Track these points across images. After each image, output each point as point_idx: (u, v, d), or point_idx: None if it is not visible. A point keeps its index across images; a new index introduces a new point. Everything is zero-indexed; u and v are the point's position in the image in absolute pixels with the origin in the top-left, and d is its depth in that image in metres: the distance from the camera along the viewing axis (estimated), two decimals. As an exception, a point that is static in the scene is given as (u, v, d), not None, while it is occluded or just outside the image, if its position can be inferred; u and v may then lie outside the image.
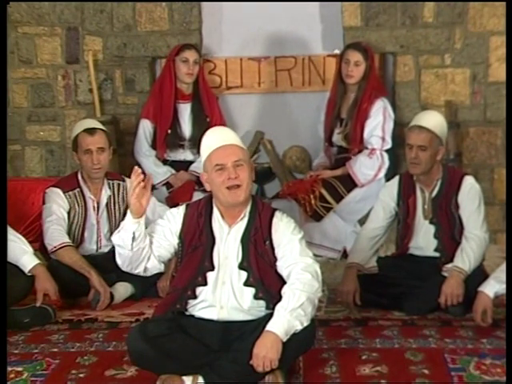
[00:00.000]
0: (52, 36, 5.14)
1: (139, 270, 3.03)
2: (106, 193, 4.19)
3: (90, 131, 4.09)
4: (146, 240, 2.95)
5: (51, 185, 4.18)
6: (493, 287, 3.37)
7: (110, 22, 5.10)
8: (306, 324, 2.82)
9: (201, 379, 2.79)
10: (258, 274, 2.94)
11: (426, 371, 3.00)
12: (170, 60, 4.81)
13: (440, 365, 3.06)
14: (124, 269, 3.05)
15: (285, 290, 2.86)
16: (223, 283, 2.96)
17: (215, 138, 2.98)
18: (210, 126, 4.71)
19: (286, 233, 2.97)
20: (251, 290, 2.95)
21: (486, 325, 3.39)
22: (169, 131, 4.80)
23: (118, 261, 3.02)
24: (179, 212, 3.05)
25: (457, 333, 3.41)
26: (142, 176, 2.87)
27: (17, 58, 5.17)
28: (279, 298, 2.91)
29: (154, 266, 3.02)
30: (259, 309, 2.96)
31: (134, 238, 2.90)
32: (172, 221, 3.04)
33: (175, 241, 3.02)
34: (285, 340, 2.75)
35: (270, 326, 2.76)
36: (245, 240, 2.97)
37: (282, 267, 2.95)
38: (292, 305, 2.79)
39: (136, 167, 2.91)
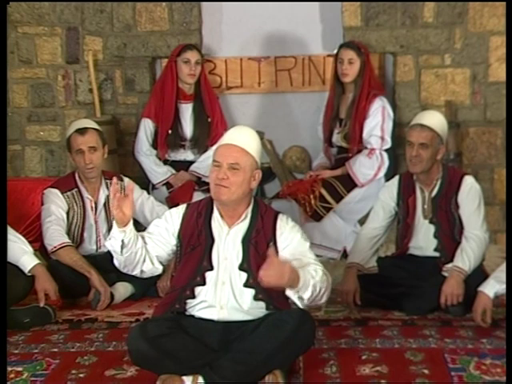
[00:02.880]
0: (52, 36, 5.14)
1: (136, 272, 3.05)
2: (103, 192, 4.19)
3: (81, 131, 4.09)
4: (138, 244, 2.95)
5: (49, 185, 4.18)
6: (493, 287, 3.37)
7: (110, 22, 5.10)
8: (305, 297, 2.79)
9: (201, 379, 2.78)
10: (257, 275, 2.94)
11: (426, 371, 2.99)
12: (172, 60, 4.80)
13: (440, 365, 3.06)
14: (121, 270, 3.07)
15: (312, 266, 2.87)
16: (223, 283, 2.96)
17: (229, 135, 3.00)
18: (211, 127, 4.75)
19: (293, 236, 2.98)
20: (251, 291, 2.95)
21: (485, 325, 3.39)
22: (170, 131, 4.79)
23: (115, 263, 3.04)
24: (178, 212, 3.06)
25: (457, 333, 3.41)
26: (118, 186, 2.89)
27: (17, 58, 5.17)
28: (279, 300, 2.93)
29: (150, 269, 3.03)
30: (259, 309, 2.97)
31: (123, 245, 2.91)
32: (170, 221, 3.05)
33: (173, 241, 3.02)
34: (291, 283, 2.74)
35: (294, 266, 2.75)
36: (245, 241, 2.98)
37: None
38: (318, 278, 2.81)
39: (114, 179, 2.92)
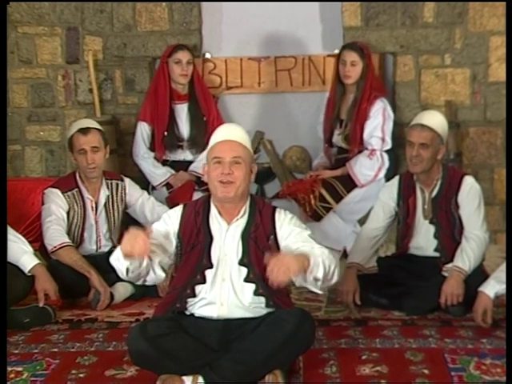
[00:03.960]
0: (52, 36, 5.14)
1: (138, 283, 3.06)
2: (104, 193, 4.19)
3: (84, 131, 4.09)
4: (143, 264, 2.89)
5: (50, 185, 4.18)
6: (493, 287, 3.37)
7: (110, 22, 5.10)
8: (319, 275, 2.77)
9: (201, 379, 2.78)
10: (258, 269, 2.95)
11: (426, 371, 2.99)
12: (163, 62, 4.80)
13: (440, 365, 3.06)
14: (123, 279, 3.05)
15: (317, 249, 2.87)
16: (223, 280, 2.97)
17: (222, 133, 3.01)
18: (207, 126, 4.75)
19: (293, 226, 2.99)
20: (251, 286, 2.96)
21: (486, 325, 3.39)
22: (166, 132, 4.79)
23: (118, 274, 2.98)
24: (176, 212, 3.06)
25: (457, 333, 3.41)
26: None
27: (17, 58, 5.17)
28: (279, 295, 2.95)
29: (153, 279, 3.00)
30: (259, 305, 2.97)
31: (128, 270, 2.88)
32: (169, 222, 3.04)
33: (173, 242, 3.02)
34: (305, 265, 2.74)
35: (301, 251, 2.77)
36: (245, 236, 2.99)
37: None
38: (328, 261, 2.80)
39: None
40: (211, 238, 3.00)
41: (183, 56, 4.74)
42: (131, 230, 2.75)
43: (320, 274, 2.77)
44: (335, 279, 2.89)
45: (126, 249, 2.72)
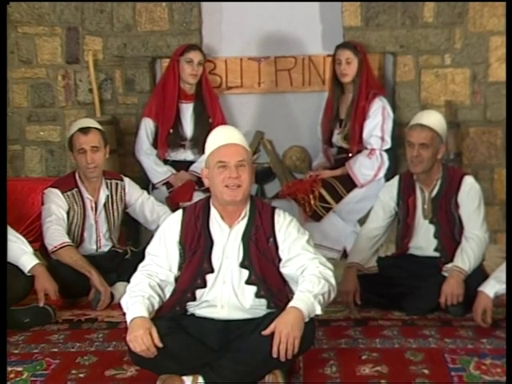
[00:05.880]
0: (52, 36, 5.14)
1: None
2: (103, 192, 4.19)
3: (84, 130, 4.09)
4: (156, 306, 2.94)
5: (49, 185, 4.17)
6: (493, 287, 3.37)
7: (110, 22, 5.10)
8: (319, 313, 2.82)
9: (201, 379, 2.79)
10: (259, 272, 2.95)
11: (426, 371, 3.00)
12: (175, 60, 4.81)
13: (440, 365, 3.06)
14: None
15: (307, 276, 2.86)
16: (224, 283, 2.96)
17: (222, 136, 2.99)
18: (211, 127, 4.73)
19: (291, 231, 2.98)
20: (252, 289, 2.96)
21: (486, 325, 3.39)
22: (170, 131, 4.80)
23: None
24: (176, 219, 3.03)
25: (457, 333, 3.41)
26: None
27: (17, 58, 5.17)
28: (280, 297, 2.94)
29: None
30: (260, 307, 2.97)
31: None
32: (168, 234, 3.01)
33: (177, 251, 3.01)
34: (306, 320, 2.76)
35: (294, 303, 2.77)
36: (245, 239, 2.98)
37: (293, 265, 2.95)
38: (317, 290, 2.81)
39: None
40: (212, 242, 2.98)
41: (195, 56, 4.76)
42: (137, 331, 2.75)
43: (319, 311, 2.82)
44: (333, 295, 2.92)
45: (134, 348, 2.76)
